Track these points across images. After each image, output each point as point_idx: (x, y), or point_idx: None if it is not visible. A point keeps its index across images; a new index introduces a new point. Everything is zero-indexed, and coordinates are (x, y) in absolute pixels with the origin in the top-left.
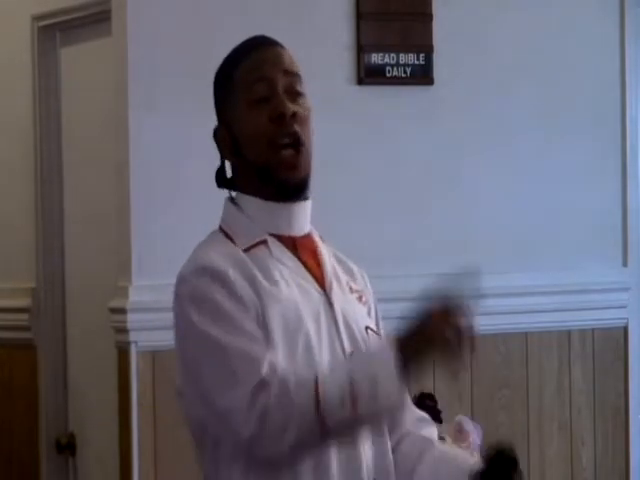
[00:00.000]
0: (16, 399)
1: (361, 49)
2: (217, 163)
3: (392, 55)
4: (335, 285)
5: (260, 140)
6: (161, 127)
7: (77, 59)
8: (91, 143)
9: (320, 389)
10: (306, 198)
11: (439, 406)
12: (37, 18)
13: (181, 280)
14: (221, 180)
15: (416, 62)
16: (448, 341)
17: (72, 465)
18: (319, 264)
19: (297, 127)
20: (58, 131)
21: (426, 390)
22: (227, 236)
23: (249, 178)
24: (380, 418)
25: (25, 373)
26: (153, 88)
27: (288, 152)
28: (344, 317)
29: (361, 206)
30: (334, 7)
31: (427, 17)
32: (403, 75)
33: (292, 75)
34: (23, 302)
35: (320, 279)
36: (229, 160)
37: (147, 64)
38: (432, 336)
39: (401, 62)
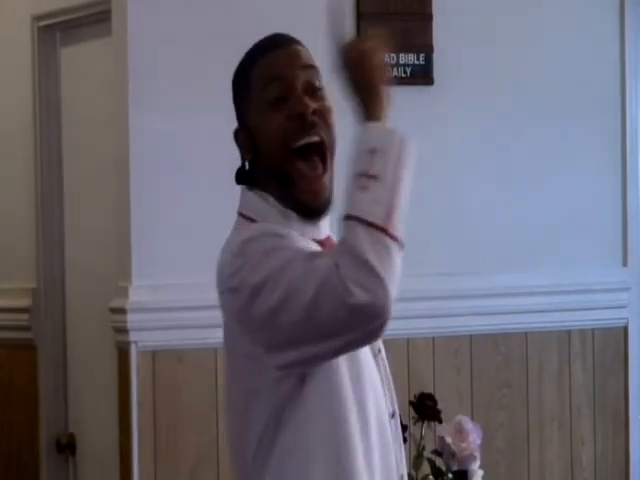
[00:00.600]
0: (16, 399)
1: None
2: (217, 163)
3: (392, 55)
4: None
5: (278, 143)
6: (161, 127)
7: (77, 59)
8: (91, 143)
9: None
10: (328, 213)
11: (439, 406)
12: (37, 18)
13: (236, 253)
14: (241, 178)
15: (416, 62)
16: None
17: (72, 465)
18: None
19: (318, 123)
20: (58, 131)
21: (426, 390)
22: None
23: (269, 182)
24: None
25: (25, 373)
26: (153, 88)
27: (310, 163)
28: (385, 368)
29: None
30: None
31: (427, 17)
32: (403, 75)
33: (310, 69)
34: (23, 302)
35: None
36: (248, 158)
37: (147, 64)
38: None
39: (401, 62)
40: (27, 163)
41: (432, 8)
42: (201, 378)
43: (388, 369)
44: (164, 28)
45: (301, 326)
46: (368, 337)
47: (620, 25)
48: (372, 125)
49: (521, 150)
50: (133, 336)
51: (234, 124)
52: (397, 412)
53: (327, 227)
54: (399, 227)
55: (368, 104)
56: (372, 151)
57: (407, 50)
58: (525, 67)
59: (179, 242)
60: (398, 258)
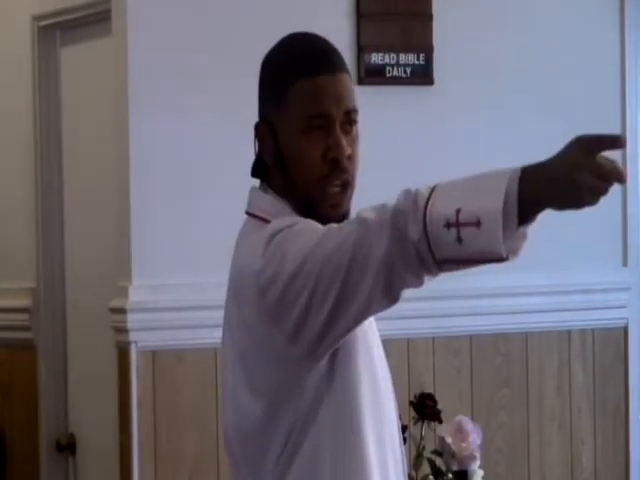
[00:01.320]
0: (16, 399)
1: (361, 49)
2: (217, 164)
3: (392, 55)
4: None
5: (310, 176)
6: (161, 127)
7: (77, 59)
8: (91, 143)
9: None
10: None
11: (439, 406)
12: (37, 18)
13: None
14: (256, 171)
15: (416, 62)
16: (594, 179)
17: (72, 465)
18: None
19: (350, 168)
20: (58, 131)
21: (426, 390)
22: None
23: (290, 194)
24: (480, 259)
25: (25, 373)
26: (153, 88)
27: (335, 191)
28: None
29: (361, 206)
30: (334, 7)
31: (427, 17)
32: (403, 75)
33: (350, 111)
34: (23, 302)
35: None
36: (267, 160)
37: (147, 64)
38: (577, 168)
39: (401, 62)
40: (27, 163)
41: (432, 8)
42: (201, 378)
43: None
44: (164, 28)
45: (339, 295)
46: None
47: (620, 25)
48: (505, 198)
49: (520, 149)
50: (133, 336)
51: (234, 124)
52: (397, 414)
53: None
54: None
55: (548, 195)
56: (478, 223)
57: (407, 50)
58: (525, 67)
59: (179, 242)
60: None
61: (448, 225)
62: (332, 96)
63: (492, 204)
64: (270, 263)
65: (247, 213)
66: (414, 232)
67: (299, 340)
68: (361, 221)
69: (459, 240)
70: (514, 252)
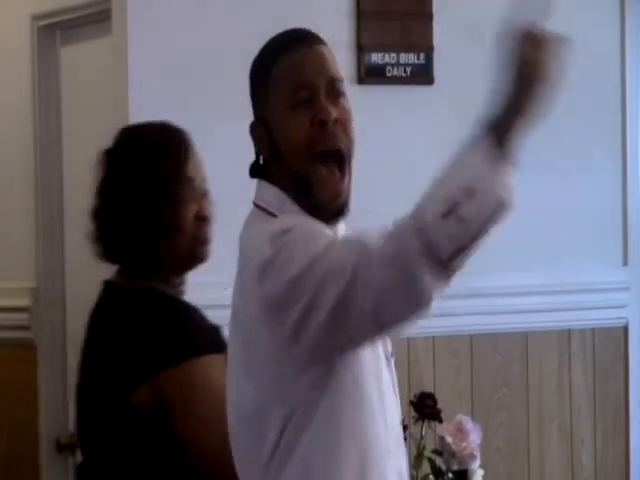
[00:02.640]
0: (16, 399)
1: (361, 49)
2: (216, 163)
3: (392, 55)
4: None
5: (299, 146)
6: None
7: (77, 58)
8: (91, 142)
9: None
10: (345, 216)
11: (439, 405)
12: (37, 17)
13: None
14: (255, 172)
15: (416, 61)
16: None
17: (72, 464)
18: None
19: (339, 133)
20: (58, 130)
21: (426, 389)
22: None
23: (288, 183)
24: (490, 222)
25: (25, 373)
26: (153, 87)
27: (324, 167)
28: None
29: (360, 205)
30: (334, 6)
31: (427, 16)
32: (403, 75)
33: (334, 79)
34: (23, 301)
35: None
36: (265, 156)
37: (147, 63)
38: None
39: (401, 62)
40: (27, 162)
41: (432, 7)
42: None
43: (395, 377)
44: (164, 28)
45: (339, 307)
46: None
47: (621, 25)
48: (481, 157)
49: (521, 150)
50: None
51: (234, 124)
52: (401, 418)
53: (343, 230)
54: (459, 269)
55: (514, 96)
56: (470, 193)
57: (407, 49)
58: None
59: None
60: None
61: (444, 215)
62: (311, 65)
63: (474, 169)
64: (276, 259)
65: (254, 204)
66: (415, 244)
67: (297, 342)
68: (363, 243)
69: (459, 220)
70: (510, 195)
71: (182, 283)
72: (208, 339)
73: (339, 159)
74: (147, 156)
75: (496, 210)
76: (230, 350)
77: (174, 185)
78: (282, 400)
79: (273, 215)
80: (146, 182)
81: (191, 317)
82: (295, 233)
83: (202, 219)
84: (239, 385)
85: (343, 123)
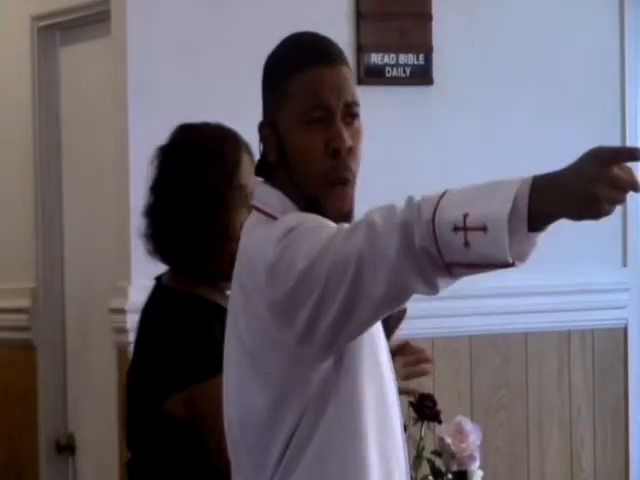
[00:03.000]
0: (15, 400)
1: (361, 49)
2: None
3: (392, 55)
4: None
5: (312, 171)
6: (160, 127)
7: (77, 59)
8: (91, 143)
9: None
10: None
11: (439, 406)
12: (37, 18)
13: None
14: (260, 170)
15: (416, 62)
16: (608, 193)
17: (72, 465)
18: None
19: (351, 163)
20: (57, 131)
21: (425, 390)
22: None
23: (294, 194)
24: (483, 266)
25: (24, 373)
26: (152, 88)
27: (339, 188)
28: None
29: (360, 206)
30: (334, 7)
31: (426, 17)
32: (403, 75)
33: (352, 103)
34: (22, 302)
35: None
36: (271, 160)
37: (146, 64)
38: (591, 181)
39: (401, 62)
40: (26, 163)
41: (431, 8)
42: None
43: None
44: (163, 28)
45: (348, 294)
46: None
47: (620, 25)
48: (512, 211)
49: (520, 150)
50: (132, 336)
51: (234, 125)
52: (402, 422)
53: None
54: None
55: (565, 202)
56: (484, 228)
57: (406, 50)
58: (524, 67)
59: None
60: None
61: (456, 229)
62: (331, 87)
63: (499, 210)
64: (283, 258)
65: (254, 207)
66: (423, 235)
67: (309, 339)
68: (370, 224)
69: (466, 244)
70: (521, 258)
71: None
72: None
73: (346, 182)
74: (199, 159)
75: (497, 263)
76: (226, 354)
77: (225, 192)
78: (292, 401)
79: (275, 218)
80: (197, 187)
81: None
82: (298, 231)
83: None
84: (242, 390)
85: (354, 149)
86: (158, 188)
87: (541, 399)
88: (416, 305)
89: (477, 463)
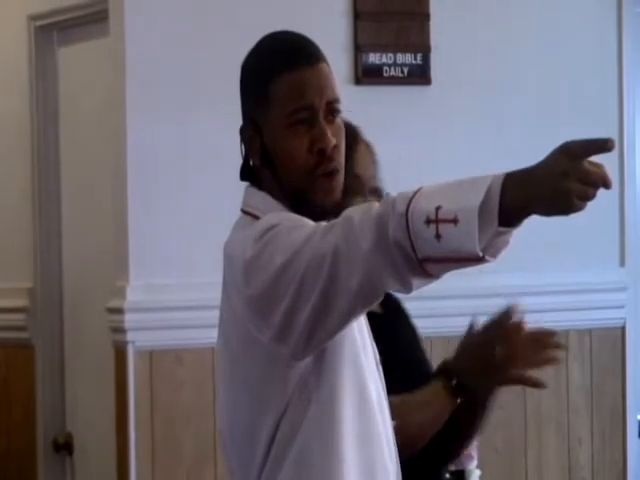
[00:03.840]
0: (13, 399)
1: (358, 49)
2: (214, 164)
3: (389, 55)
4: None
5: (298, 169)
6: (159, 127)
7: (74, 59)
8: (89, 143)
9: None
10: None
11: None
12: (34, 18)
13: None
14: (245, 175)
15: (413, 62)
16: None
17: (69, 465)
18: None
19: (337, 156)
20: (56, 131)
21: None
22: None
23: (280, 193)
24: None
25: (22, 373)
26: (151, 88)
27: (325, 180)
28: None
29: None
30: (331, 7)
31: (424, 17)
32: (400, 75)
33: (333, 101)
34: (20, 302)
35: None
36: (255, 162)
37: (145, 64)
38: None
39: (398, 62)
40: (24, 163)
41: (429, 8)
42: (198, 377)
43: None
44: (161, 28)
45: (324, 292)
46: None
47: (618, 26)
48: (483, 205)
49: (519, 150)
50: (130, 336)
51: (232, 125)
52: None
53: None
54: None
55: (536, 194)
56: (455, 219)
57: (404, 50)
58: (522, 67)
59: (176, 242)
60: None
61: (428, 222)
62: (314, 87)
63: (470, 202)
64: (260, 255)
65: (241, 210)
66: (397, 228)
67: (286, 336)
68: (347, 220)
69: (438, 237)
70: (493, 254)
71: None
72: None
73: (332, 173)
74: None
75: (468, 255)
76: (218, 360)
77: None
78: (272, 401)
79: (258, 219)
80: None
81: None
82: (277, 229)
83: None
84: (229, 396)
85: (338, 146)
86: None
87: (539, 399)
88: (414, 305)
89: (475, 462)
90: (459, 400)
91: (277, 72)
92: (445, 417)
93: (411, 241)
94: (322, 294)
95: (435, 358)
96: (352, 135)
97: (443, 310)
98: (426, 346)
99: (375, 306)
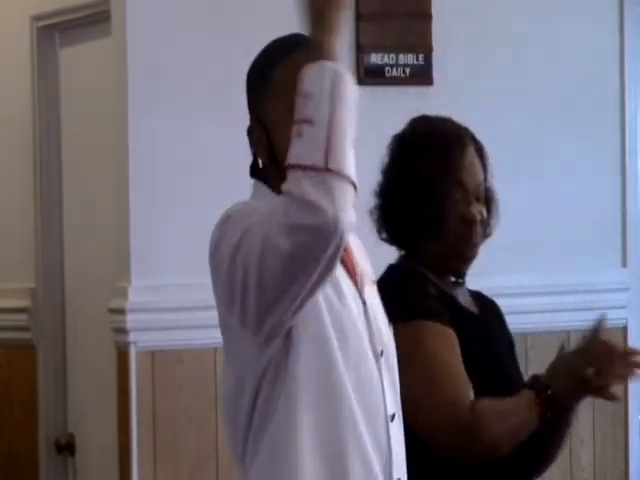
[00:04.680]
0: (15, 400)
1: (360, 49)
2: (216, 163)
3: (391, 55)
4: (365, 280)
5: None
6: (160, 128)
7: (76, 60)
8: (90, 143)
9: None
10: None
11: None
12: (36, 18)
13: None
14: (254, 173)
15: (415, 62)
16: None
17: (71, 465)
18: (351, 260)
19: None
20: (57, 132)
21: None
22: None
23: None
24: None
25: (24, 373)
26: (152, 88)
27: None
28: (374, 315)
29: (360, 206)
30: None
31: (426, 17)
32: (402, 75)
33: None
34: (22, 302)
35: (353, 275)
36: (263, 161)
37: (146, 64)
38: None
39: (400, 62)
40: (26, 163)
41: (431, 8)
42: (200, 378)
43: (396, 373)
44: (163, 29)
45: (273, 277)
46: (327, 265)
47: (619, 26)
48: (306, 67)
49: (520, 150)
50: (132, 336)
51: (233, 126)
52: (398, 414)
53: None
54: (344, 163)
55: (314, 32)
56: (306, 95)
57: (406, 50)
58: (524, 68)
59: (178, 242)
60: (345, 192)
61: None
62: None
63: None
64: (221, 238)
65: None
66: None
67: (245, 322)
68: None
69: (299, 135)
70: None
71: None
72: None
73: None
74: (422, 152)
75: (333, 87)
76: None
77: (442, 184)
78: (247, 378)
79: None
80: (415, 177)
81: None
82: (242, 211)
83: (468, 221)
84: (224, 372)
85: None
86: (385, 174)
87: None
88: None
89: None
90: (549, 414)
91: (275, 61)
92: (528, 430)
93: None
94: (258, 270)
95: None
96: (458, 138)
97: None
98: None
99: (473, 307)
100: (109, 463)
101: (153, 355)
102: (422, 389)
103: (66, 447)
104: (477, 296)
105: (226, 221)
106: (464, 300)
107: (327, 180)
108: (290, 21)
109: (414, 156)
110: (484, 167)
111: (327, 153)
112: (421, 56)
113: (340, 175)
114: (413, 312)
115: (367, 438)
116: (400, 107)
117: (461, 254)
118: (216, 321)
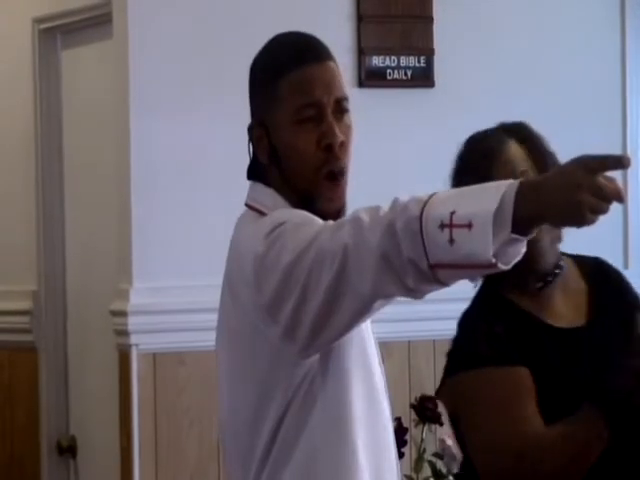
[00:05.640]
0: (17, 402)
1: (362, 52)
2: (217, 166)
3: (393, 58)
4: None
5: (306, 166)
6: (162, 129)
7: (78, 62)
8: (92, 146)
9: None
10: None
11: (440, 409)
12: (38, 21)
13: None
14: (252, 174)
15: (417, 65)
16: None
17: (73, 468)
18: None
19: (343, 156)
20: (59, 134)
21: (427, 392)
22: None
23: (287, 191)
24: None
25: (26, 376)
26: (154, 90)
27: (330, 183)
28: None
29: (360, 206)
30: (335, 10)
31: (428, 20)
32: (404, 78)
33: (342, 99)
34: (24, 305)
35: None
36: (263, 160)
37: (148, 66)
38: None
39: (402, 65)
40: (28, 166)
41: (433, 10)
42: (202, 380)
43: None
44: (165, 31)
45: (331, 291)
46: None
47: (621, 26)
48: (495, 213)
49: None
50: (134, 339)
51: (235, 127)
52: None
53: None
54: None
55: (546, 213)
56: (469, 224)
57: (408, 53)
58: (525, 68)
59: (179, 244)
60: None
61: (442, 226)
62: (321, 84)
63: (485, 207)
64: (270, 252)
65: (246, 205)
66: (408, 234)
67: (293, 334)
68: (356, 220)
69: (451, 241)
70: (505, 262)
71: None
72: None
73: (341, 175)
74: (467, 172)
75: (480, 261)
76: (218, 355)
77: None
78: (274, 397)
79: (265, 215)
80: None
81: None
82: (286, 226)
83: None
84: (230, 387)
85: (346, 144)
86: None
87: None
88: (417, 307)
89: None
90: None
91: (285, 69)
92: (596, 450)
93: (424, 245)
94: (329, 292)
95: (438, 361)
96: (489, 151)
97: (445, 313)
98: (428, 349)
99: (572, 312)
100: (111, 465)
101: (154, 357)
102: (483, 444)
103: (68, 449)
104: (594, 273)
105: (275, 229)
106: (561, 302)
107: (426, 278)
108: (291, 23)
109: (460, 175)
110: (535, 154)
111: (439, 266)
112: (422, 58)
113: (435, 280)
114: (473, 359)
115: (393, 458)
116: (401, 109)
117: (531, 268)
118: (216, 323)
